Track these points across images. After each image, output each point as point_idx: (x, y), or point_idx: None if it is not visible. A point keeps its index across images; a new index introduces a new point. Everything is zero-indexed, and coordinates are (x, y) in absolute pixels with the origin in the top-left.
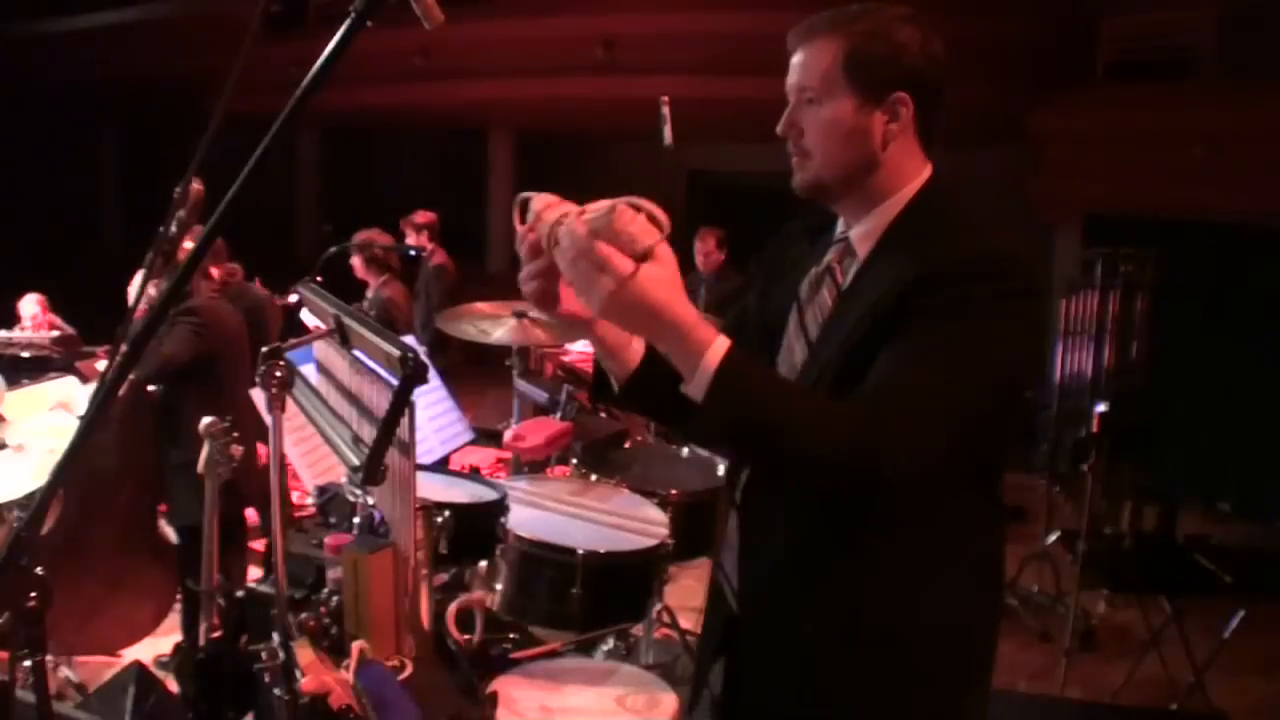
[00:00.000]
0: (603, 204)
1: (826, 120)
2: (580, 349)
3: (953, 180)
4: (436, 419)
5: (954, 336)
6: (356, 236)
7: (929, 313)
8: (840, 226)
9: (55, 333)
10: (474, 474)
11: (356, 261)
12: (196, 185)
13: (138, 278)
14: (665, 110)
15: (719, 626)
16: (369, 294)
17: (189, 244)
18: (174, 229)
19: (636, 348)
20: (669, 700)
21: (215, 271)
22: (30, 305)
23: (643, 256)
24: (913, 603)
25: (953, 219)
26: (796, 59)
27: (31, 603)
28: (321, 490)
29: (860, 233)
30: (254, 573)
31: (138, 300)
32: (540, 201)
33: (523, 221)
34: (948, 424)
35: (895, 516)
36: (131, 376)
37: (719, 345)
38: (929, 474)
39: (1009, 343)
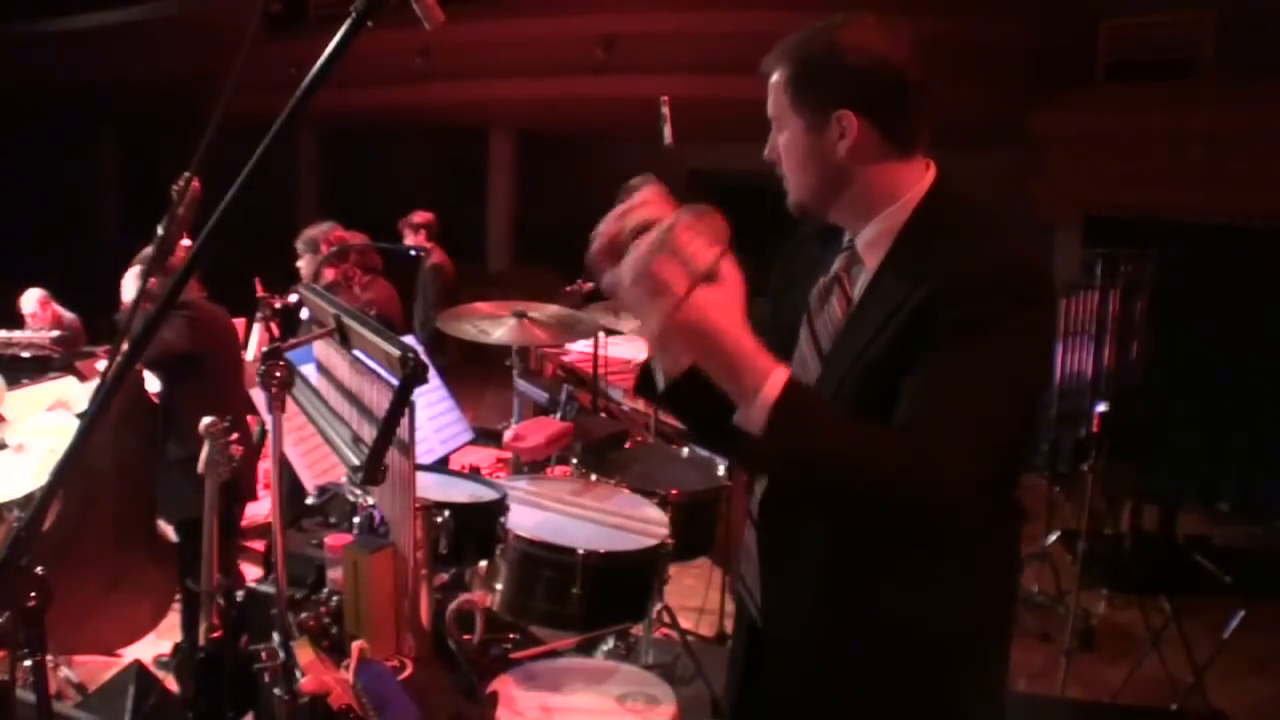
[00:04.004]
0: (664, 223)
1: (786, 146)
2: (580, 349)
3: (960, 181)
4: (436, 419)
5: (981, 357)
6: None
7: (952, 330)
8: (847, 234)
9: (56, 332)
10: (474, 474)
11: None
12: (194, 183)
13: (130, 274)
14: (665, 110)
15: (743, 638)
16: (358, 293)
17: (186, 242)
18: (171, 228)
19: None
20: (669, 700)
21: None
22: (30, 303)
23: (705, 277)
24: (935, 610)
25: (964, 225)
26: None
27: (31, 603)
28: (322, 490)
29: (866, 241)
30: (254, 573)
31: (139, 296)
32: (644, 194)
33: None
34: (988, 450)
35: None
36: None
37: (778, 376)
38: (971, 497)
39: (1030, 356)
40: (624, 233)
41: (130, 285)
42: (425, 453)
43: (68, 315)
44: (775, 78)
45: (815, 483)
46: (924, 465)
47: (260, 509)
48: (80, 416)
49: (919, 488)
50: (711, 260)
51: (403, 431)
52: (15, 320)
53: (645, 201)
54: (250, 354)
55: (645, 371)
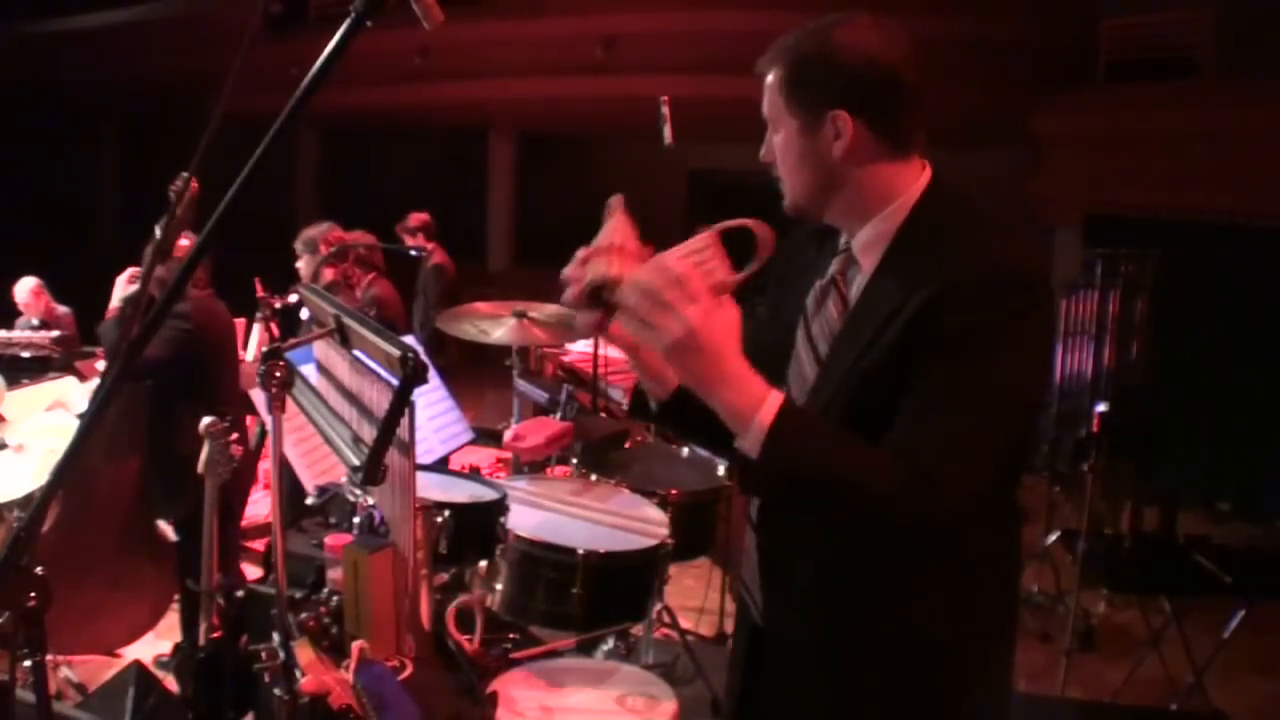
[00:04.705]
0: (698, 239)
1: (781, 147)
2: (580, 349)
3: (955, 183)
4: (436, 419)
5: (978, 372)
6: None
7: (948, 343)
8: (844, 236)
9: (56, 332)
10: (474, 474)
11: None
12: (192, 184)
13: (122, 277)
14: (665, 110)
15: (744, 640)
16: (359, 293)
17: (185, 242)
18: (170, 227)
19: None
20: (669, 700)
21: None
22: (23, 292)
23: (721, 290)
24: (934, 610)
25: (960, 228)
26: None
27: (31, 603)
28: (322, 490)
29: (862, 243)
30: (254, 573)
31: (141, 294)
32: (607, 233)
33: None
34: (989, 461)
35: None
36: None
37: (773, 401)
38: (973, 506)
39: (1030, 363)
40: (582, 284)
41: (120, 290)
42: (425, 453)
43: (60, 309)
44: (770, 78)
45: (811, 505)
46: (921, 486)
47: (260, 509)
48: (80, 417)
49: (916, 507)
50: (721, 283)
51: (403, 431)
52: (11, 312)
53: (604, 250)
54: (250, 354)
55: (638, 394)
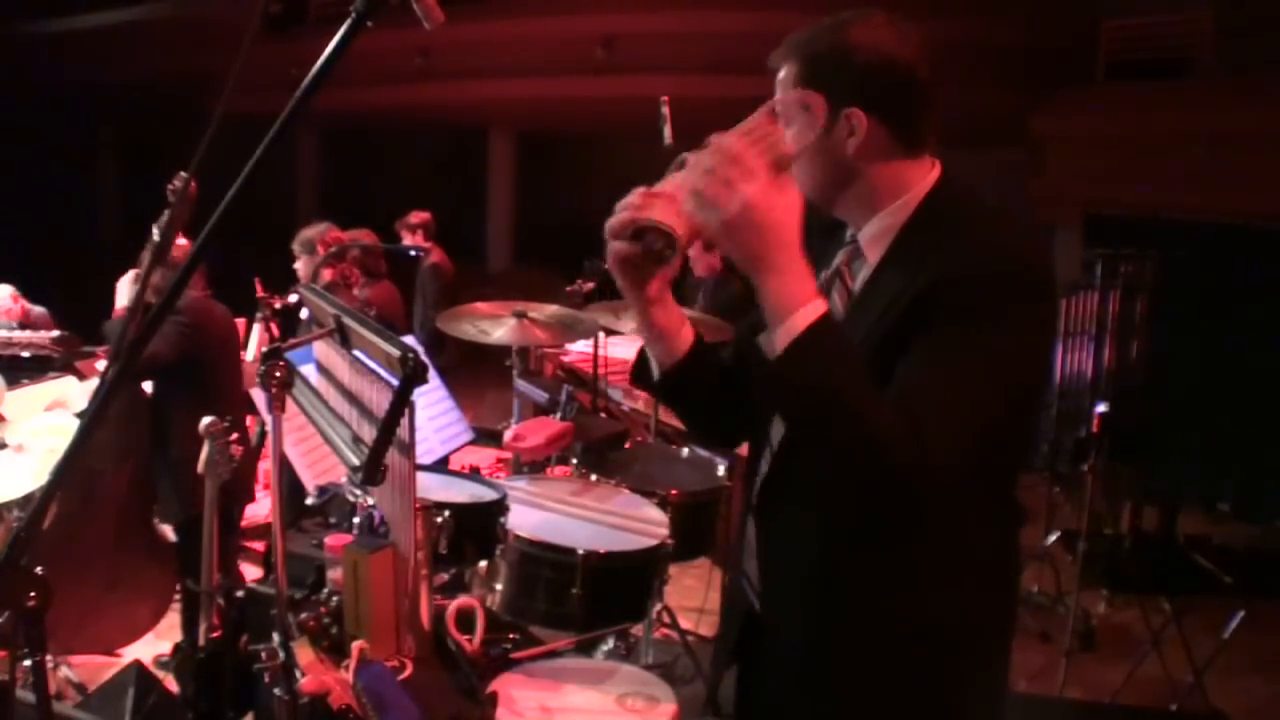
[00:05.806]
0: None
1: (794, 143)
2: (580, 349)
3: (963, 179)
4: (436, 419)
5: (974, 344)
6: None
7: (948, 320)
8: (849, 228)
9: (56, 332)
10: (474, 474)
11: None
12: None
13: (124, 279)
14: (665, 110)
15: (738, 628)
16: (356, 293)
17: (183, 241)
18: (168, 227)
19: (685, 337)
20: (669, 700)
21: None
22: (2, 297)
23: (780, 168)
24: (932, 605)
25: (967, 221)
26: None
27: (31, 603)
28: (322, 490)
29: (869, 236)
30: (254, 573)
31: (140, 297)
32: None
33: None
34: (975, 431)
35: (916, 520)
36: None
37: (818, 306)
38: (951, 483)
39: (1026, 350)
40: (637, 215)
41: (124, 290)
42: (425, 453)
43: (35, 310)
44: (783, 74)
45: (808, 417)
46: (912, 438)
47: (260, 509)
48: (79, 416)
49: (904, 458)
50: (783, 157)
51: (403, 431)
52: None
53: (669, 196)
54: (250, 354)
55: (641, 360)
